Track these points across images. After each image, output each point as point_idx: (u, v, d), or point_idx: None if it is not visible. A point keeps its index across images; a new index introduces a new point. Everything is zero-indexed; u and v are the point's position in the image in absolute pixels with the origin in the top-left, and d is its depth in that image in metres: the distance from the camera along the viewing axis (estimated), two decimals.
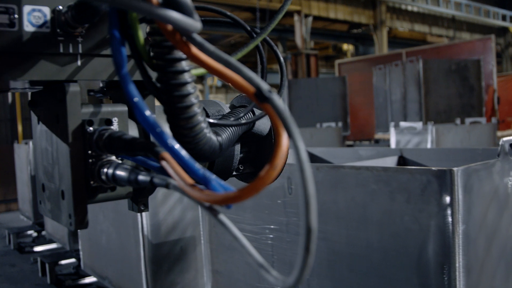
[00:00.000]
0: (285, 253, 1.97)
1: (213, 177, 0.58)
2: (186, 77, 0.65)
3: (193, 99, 0.66)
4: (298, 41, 16.77)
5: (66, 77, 0.73)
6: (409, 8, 19.76)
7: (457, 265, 1.43)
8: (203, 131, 0.70)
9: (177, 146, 0.61)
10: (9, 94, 10.27)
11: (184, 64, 0.65)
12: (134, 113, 0.63)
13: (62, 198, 0.74)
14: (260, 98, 0.53)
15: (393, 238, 1.57)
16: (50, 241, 6.98)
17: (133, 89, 0.63)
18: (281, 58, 0.96)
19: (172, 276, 3.38)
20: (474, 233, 1.48)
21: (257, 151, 1.04)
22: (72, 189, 0.72)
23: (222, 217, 0.56)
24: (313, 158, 3.09)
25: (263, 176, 0.51)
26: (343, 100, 11.17)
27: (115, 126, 0.77)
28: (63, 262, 5.74)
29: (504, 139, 1.64)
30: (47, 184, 0.81)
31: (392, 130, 5.81)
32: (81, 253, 4.48)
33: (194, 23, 0.56)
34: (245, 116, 0.89)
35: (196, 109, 0.67)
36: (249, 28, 0.90)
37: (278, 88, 0.96)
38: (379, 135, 9.12)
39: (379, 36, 18.59)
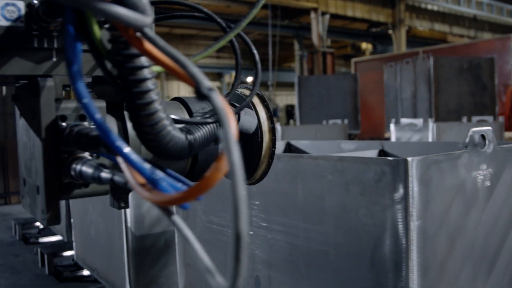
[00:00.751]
0: (249, 247, 1.89)
1: (163, 178, 0.58)
2: (146, 73, 0.64)
3: (153, 95, 0.65)
4: (315, 39, 16.61)
5: (41, 72, 0.73)
6: (429, 7, 19.41)
7: (410, 263, 1.33)
8: (165, 128, 0.68)
9: (125, 148, 0.61)
10: None
11: (143, 60, 0.64)
12: (85, 113, 0.63)
13: (37, 193, 0.75)
14: (199, 95, 0.53)
15: (348, 233, 1.48)
16: (55, 233, 7.00)
17: (82, 88, 0.62)
18: (256, 56, 0.94)
19: (155, 269, 3.32)
20: (432, 229, 1.37)
21: (244, 149, 1.02)
22: (45, 184, 0.72)
23: (176, 218, 0.56)
24: (296, 151, 3.00)
25: (208, 177, 0.50)
26: (354, 98, 10.99)
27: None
28: (65, 253, 5.74)
29: (474, 129, 1.52)
30: (27, 178, 0.81)
31: (392, 127, 5.64)
32: (74, 244, 4.45)
33: (142, 18, 0.55)
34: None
35: (157, 106, 0.66)
36: (223, 24, 0.88)
37: (253, 84, 0.93)
38: (388, 134, 8.91)
39: (397, 35, 18.31)
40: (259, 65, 0.93)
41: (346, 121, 7.80)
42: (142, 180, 0.58)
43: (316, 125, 7.92)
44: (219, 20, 0.88)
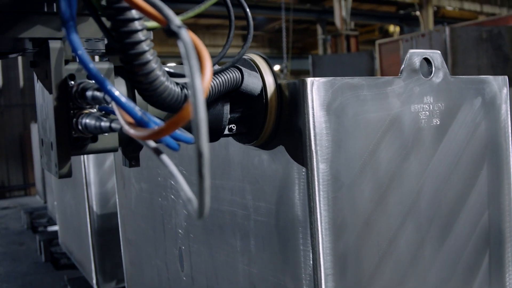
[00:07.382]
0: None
1: (152, 119, 0.61)
2: (136, 24, 0.67)
3: (144, 46, 0.68)
4: (338, 22, 16.16)
5: (50, 35, 0.79)
6: None
7: (316, 219, 1.01)
8: (158, 78, 0.71)
9: (116, 92, 0.64)
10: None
11: (134, 13, 0.66)
12: (80, 64, 0.66)
13: (51, 149, 0.79)
14: (168, 33, 0.56)
15: (252, 185, 1.17)
16: None
17: (76, 40, 0.65)
18: (247, 10, 0.97)
19: None
20: (349, 176, 1.05)
21: (249, 111, 1.03)
22: (57, 140, 0.76)
23: (163, 156, 0.62)
24: None
25: (182, 110, 0.52)
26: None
27: None
28: None
29: (413, 50, 1.18)
30: (44, 138, 0.86)
31: None
32: (58, 228, 4.27)
33: None
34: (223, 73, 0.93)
35: (149, 56, 0.69)
36: None
37: (245, 39, 0.98)
38: None
39: (424, 16, 17.62)
40: (251, 21, 0.97)
41: None
42: (130, 119, 0.62)
43: None
44: None
